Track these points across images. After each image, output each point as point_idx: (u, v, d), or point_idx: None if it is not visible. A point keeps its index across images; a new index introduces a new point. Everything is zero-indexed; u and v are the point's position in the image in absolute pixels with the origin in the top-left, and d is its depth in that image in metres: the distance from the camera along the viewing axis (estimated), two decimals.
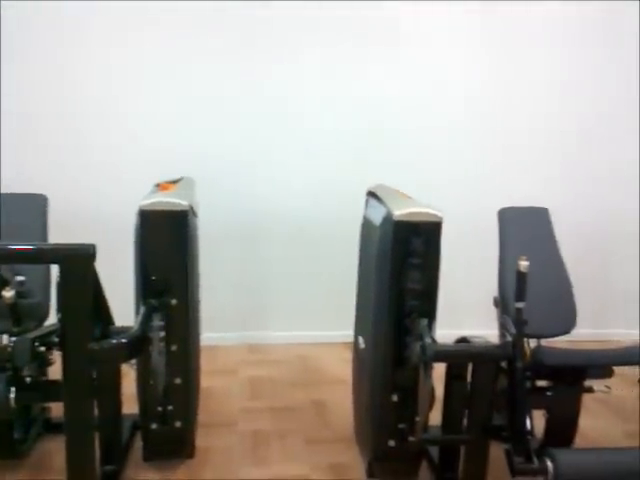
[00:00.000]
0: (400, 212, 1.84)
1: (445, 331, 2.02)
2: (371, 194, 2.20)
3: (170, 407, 1.97)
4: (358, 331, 2.22)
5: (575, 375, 1.88)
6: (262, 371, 2.93)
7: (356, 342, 2.24)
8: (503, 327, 1.77)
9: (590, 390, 1.99)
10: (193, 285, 1.98)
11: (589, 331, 3.20)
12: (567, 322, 2.22)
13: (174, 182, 2.18)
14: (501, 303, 2.27)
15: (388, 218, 1.88)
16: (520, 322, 1.74)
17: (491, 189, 3.15)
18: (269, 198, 3.19)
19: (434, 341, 1.74)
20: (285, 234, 3.24)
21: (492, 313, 2.37)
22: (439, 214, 1.84)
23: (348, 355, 2.38)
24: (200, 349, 2.33)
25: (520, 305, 1.75)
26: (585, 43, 3.26)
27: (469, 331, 3.17)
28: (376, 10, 3.08)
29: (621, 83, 3.30)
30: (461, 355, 1.80)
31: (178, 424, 2.00)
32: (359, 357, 2.19)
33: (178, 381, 1.94)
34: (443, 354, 1.74)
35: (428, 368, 1.69)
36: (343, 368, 2.66)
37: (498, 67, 3.23)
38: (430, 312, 1.87)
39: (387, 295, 1.88)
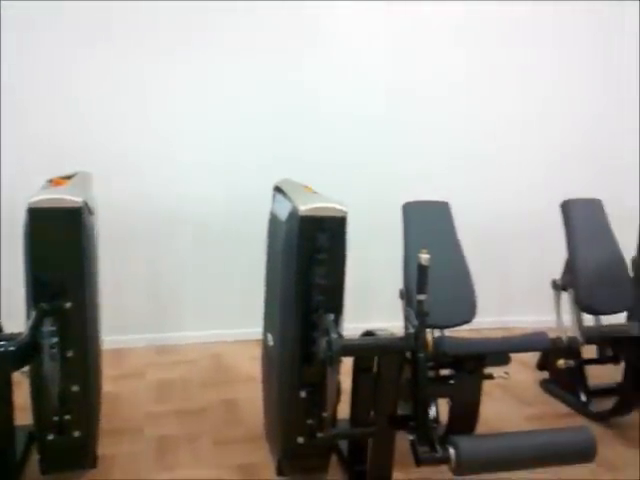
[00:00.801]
0: (305, 207, 1.82)
1: (357, 325, 2.05)
2: (277, 189, 2.17)
3: (67, 416, 1.85)
4: (267, 328, 2.19)
5: (475, 363, 1.94)
6: (171, 373, 2.84)
7: (265, 339, 2.21)
8: (407, 319, 1.79)
9: (490, 377, 2.07)
10: (90, 287, 1.88)
11: (492, 319, 3.36)
12: (468, 312, 2.31)
13: (68, 177, 2.05)
14: (406, 295, 2.32)
15: (293, 213, 1.86)
16: (422, 314, 1.77)
17: (397, 184, 3.20)
18: (178, 196, 3.10)
19: (340, 336, 1.74)
20: (194, 232, 3.16)
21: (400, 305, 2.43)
22: (344, 209, 1.84)
23: (259, 352, 2.35)
24: (101, 354, 2.22)
25: (422, 297, 1.78)
26: (513, 43, 3.39)
27: (380, 324, 3.24)
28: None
29: (519, 83, 3.46)
30: (366, 348, 1.82)
31: (77, 433, 1.89)
32: (268, 354, 2.17)
33: (75, 388, 1.84)
34: (348, 348, 1.75)
35: (334, 363, 1.69)
36: (255, 366, 2.62)
37: (404, 61, 3.29)
38: (337, 307, 1.87)
39: (293, 291, 1.86)
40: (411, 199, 2.41)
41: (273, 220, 2.14)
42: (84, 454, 1.99)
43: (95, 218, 2.05)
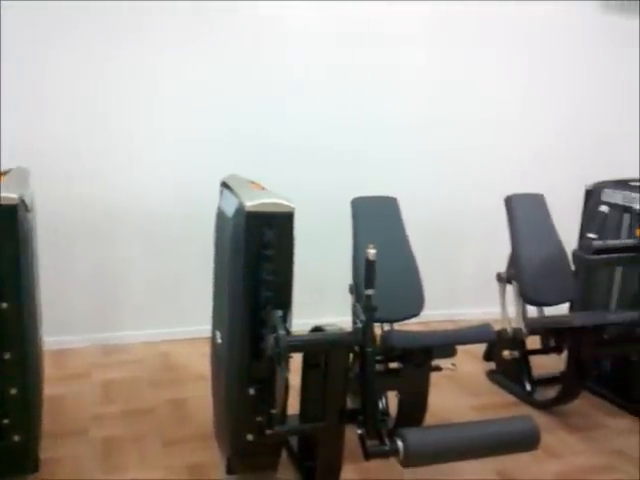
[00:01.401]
0: (252, 203, 1.80)
1: (308, 320, 2.05)
2: (224, 185, 2.14)
3: (6, 420, 1.79)
4: (215, 325, 2.16)
5: (422, 356, 1.97)
6: (118, 373, 2.78)
7: (213, 337, 2.18)
8: (355, 314, 1.80)
9: (438, 369, 2.10)
10: (28, 286, 1.81)
11: (440, 312, 3.41)
12: (416, 306, 2.33)
13: (3, 173, 1.97)
14: (355, 290, 2.33)
15: (240, 209, 1.84)
16: (370, 308, 1.78)
17: (347, 180, 3.21)
18: (123, 192, 3.01)
19: (288, 332, 1.73)
20: (141, 228, 3.08)
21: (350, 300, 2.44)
22: (291, 204, 1.83)
23: (208, 350, 2.32)
24: (43, 354, 2.15)
25: (370, 292, 1.79)
26: (459, 43, 3.43)
27: (331, 319, 3.24)
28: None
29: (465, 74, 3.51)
30: (314, 344, 1.81)
31: (17, 437, 1.83)
32: (216, 352, 2.14)
33: (14, 391, 1.77)
34: (296, 345, 1.74)
35: (283, 359, 1.67)
36: (204, 364, 2.59)
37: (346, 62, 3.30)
38: (285, 303, 1.85)
39: (241, 288, 1.84)
40: (361, 194, 2.42)
41: (220, 216, 2.11)
42: (25, 458, 1.92)
43: (33, 215, 1.98)
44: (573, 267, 2.65)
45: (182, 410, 2.47)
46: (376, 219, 2.41)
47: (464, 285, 3.73)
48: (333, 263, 3.24)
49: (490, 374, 2.92)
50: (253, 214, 1.80)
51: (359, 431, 1.79)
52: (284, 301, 1.87)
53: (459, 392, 2.76)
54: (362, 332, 1.77)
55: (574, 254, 2.33)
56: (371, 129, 3.37)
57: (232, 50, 3.05)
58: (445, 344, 1.98)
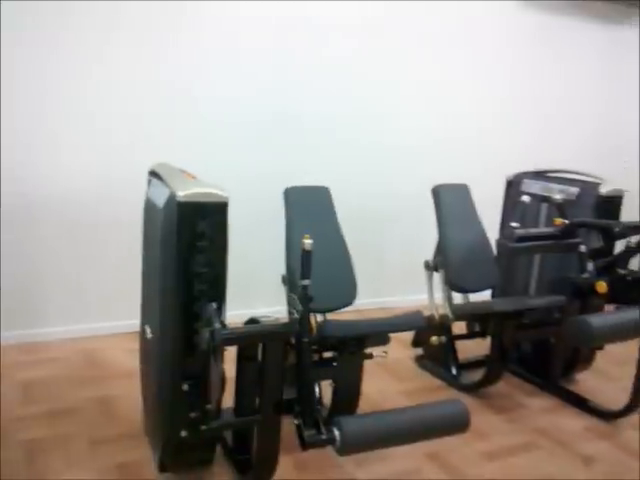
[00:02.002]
0: (184, 192, 1.75)
1: (241, 311, 2.02)
2: (153, 174, 2.07)
3: None
4: (144, 320, 2.10)
5: (356, 344, 1.99)
6: (38, 372, 2.64)
7: (143, 332, 2.11)
8: (290, 304, 1.79)
9: (370, 356, 2.13)
10: None
11: (371, 300, 3.46)
12: (349, 295, 2.35)
13: None
14: (288, 281, 2.32)
15: (171, 199, 1.78)
16: (306, 299, 1.78)
17: (279, 170, 3.19)
18: (42, 177, 2.84)
19: (223, 325, 1.70)
20: (62, 217, 2.92)
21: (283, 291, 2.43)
22: (224, 194, 1.79)
23: (136, 345, 2.24)
24: None
25: (305, 282, 1.79)
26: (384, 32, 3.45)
27: (264, 309, 3.22)
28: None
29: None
30: (250, 336, 1.78)
31: None
32: (146, 347, 2.07)
33: None
34: (232, 338, 1.71)
35: (218, 353, 1.64)
36: (131, 360, 2.51)
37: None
38: (219, 295, 1.82)
39: (174, 281, 1.79)
40: (293, 184, 2.41)
41: (149, 206, 2.04)
42: None
43: None
44: (496, 255, 2.76)
45: (109, 408, 2.38)
46: (309, 209, 2.41)
47: (392, 273, 3.81)
48: (264, 253, 3.22)
49: (418, 359, 3.00)
50: (185, 204, 1.75)
51: (296, 421, 1.79)
52: (218, 293, 1.83)
53: (389, 378, 2.82)
54: (299, 323, 1.76)
55: (498, 242, 2.43)
56: (304, 120, 3.36)
57: (153, 34, 2.95)
58: (379, 332, 2.01)
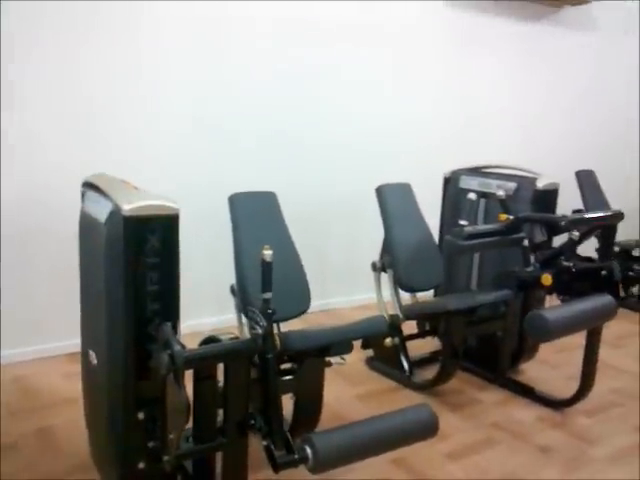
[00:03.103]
0: (130, 206, 1.61)
1: (184, 322, 1.90)
2: (89, 185, 1.91)
3: None
4: (88, 345, 1.93)
5: (319, 354, 1.92)
6: None
7: (86, 357, 1.94)
8: (252, 319, 1.69)
9: (328, 364, 2.07)
10: None
11: (317, 302, 3.39)
12: (303, 302, 2.29)
13: None
14: (239, 292, 2.22)
15: (115, 213, 1.64)
16: (269, 312, 1.69)
17: (221, 176, 3.07)
18: None
19: (182, 346, 1.58)
20: None
21: (229, 300, 2.32)
22: (175, 206, 1.67)
23: (74, 368, 2.06)
24: None
25: (267, 296, 1.70)
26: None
27: (208, 319, 3.08)
28: None
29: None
30: (214, 357, 1.67)
31: None
32: (92, 374, 1.91)
33: None
34: (194, 360, 1.60)
35: (180, 377, 1.52)
36: (70, 385, 2.34)
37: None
38: (173, 314, 1.70)
39: (123, 301, 1.65)
40: (238, 190, 2.30)
41: (86, 221, 1.88)
42: None
43: None
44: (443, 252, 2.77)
45: (51, 441, 2.18)
46: (256, 215, 2.32)
47: (334, 274, 3.76)
48: (206, 262, 3.09)
49: (369, 362, 2.97)
50: (132, 219, 1.61)
51: (264, 442, 1.70)
52: (172, 312, 1.71)
53: (342, 383, 2.77)
54: (262, 339, 1.67)
55: (447, 241, 2.43)
56: (244, 123, 3.25)
57: (86, 33, 2.74)
58: (342, 341, 1.94)
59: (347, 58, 3.53)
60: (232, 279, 2.27)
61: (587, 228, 2.38)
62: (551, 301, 2.77)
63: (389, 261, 2.70)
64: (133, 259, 1.64)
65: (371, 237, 3.70)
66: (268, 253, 1.67)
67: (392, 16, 3.61)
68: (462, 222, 2.39)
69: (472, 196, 2.54)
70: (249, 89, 3.23)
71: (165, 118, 3.00)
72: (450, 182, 3.09)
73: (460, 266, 3.02)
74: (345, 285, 3.67)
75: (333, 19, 3.41)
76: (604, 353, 2.57)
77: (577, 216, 2.29)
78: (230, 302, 2.36)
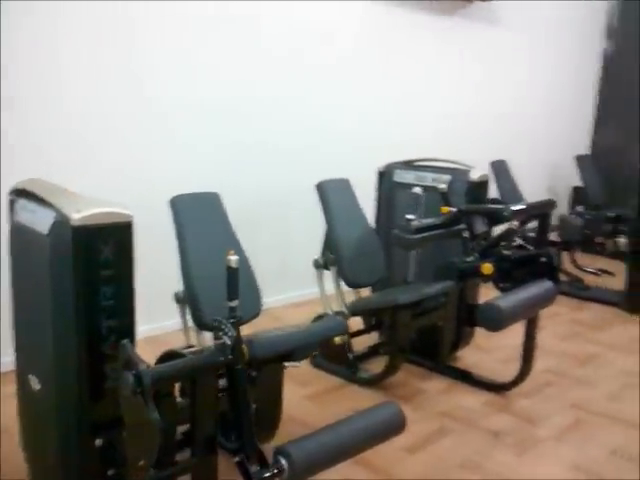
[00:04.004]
0: (79, 215, 1.47)
1: None
2: (20, 193, 1.72)
3: None
4: (27, 369, 1.74)
5: (284, 360, 1.86)
6: None
7: (24, 383, 1.76)
8: (219, 329, 1.59)
9: (284, 368, 2.01)
10: None
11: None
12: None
13: None
14: (189, 300, 2.10)
15: (61, 223, 1.50)
16: (236, 322, 1.60)
17: (161, 179, 2.90)
18: None
19: (147, 365, 1.47)
20: None
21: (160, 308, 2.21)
22: (128, 212, 1.55)
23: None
24: None
25: (234, 304, 1.61)
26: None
27: (147, 326, 2.91)
28: None
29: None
30: (183, 373, 1.56)
31: None
32: (34, 401, 1.73)
33: None
34: (162, 378, 1.48)
35: (149, 398, 1.41)
36: None
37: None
38: (130, 330, 1.58)
39: (73, 320, 1.51)
40: (179, 193, 2.18)
41: (21, 233, 1.70)
42: None
43: None
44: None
45: None
46: (200, 218, 2.20)
47: (264, 273, 3.67)
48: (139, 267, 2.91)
49: (313, 360, 2.93)
50: (83, 229, 1.47)
51: (237, 458, 1.61)
52: (129, 328, 1.58)
53: (290, 383, 2.65)
54: (231, 350, 1.58)
55: (395, 235, 2.43)
56: (188, 120, 3.10)
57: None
58: (307, 345, 1.89)
59: (281, 57, 3.45)
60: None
61: (525, 217, 2.47)
62: (486, 290, 2.87)
63: (332, 258, 2.67)
64: (84, 273, 1.50)
65: (302, 234, 3.68)
66: (234, 259, 1.58)
67: (320, 14, 3.58)
68: (409, 216, 2.39)
69: (418, 190, 2.56)
70: (183, 90, 3.08)
71: (100, 119, 2.79)
72: (384, 176, 3.10)
73: (396, 259, 3.04)
74: (277, 283, 3.60)
75: (261, 19, 3.32)
76: None
77: (519, 206, 2.37)
78: (163, 309, 2.24)
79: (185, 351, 1.66)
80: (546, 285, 2.32)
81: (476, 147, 4.59)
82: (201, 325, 2.10)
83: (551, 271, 2.37)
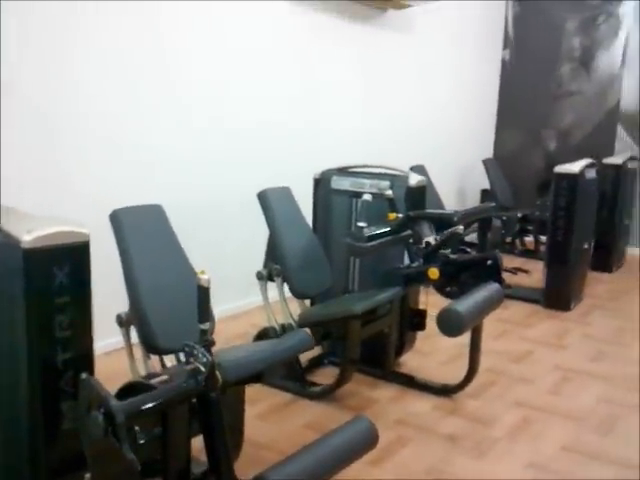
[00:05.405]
0: (32, 236, 1.31)
1: None
2: None
3: None
4: None
5: (254, 382, 1.76)
6: None
7: None
8: (190, 354, 1.47)
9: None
10: None
11: None
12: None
13: None
14: (138, 323, 1.94)
15: (10, 245, 1.32)
16: (209, 346, 1.48)
17: (103, 192, 2.69)
18: None
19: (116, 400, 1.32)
20: None
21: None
22: (85, 231, 1.40)
23: None
24: None
25: (205, 326, 1.49)
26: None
27: None
28: None
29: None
30: (158, 407, 1.42)
31: None
32: None
33: None
34: (137, 413, 1.34)
35: (123, 438, 1.26)
36: None
37: None
38: (89, 363, 1.42)
39: (25, 353, 1.34)
40: (120, 206, 2.01)
41: None
42: None
43: None
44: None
45: None
46: (144, 232, 2.04)
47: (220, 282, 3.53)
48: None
49: None
50: (35, 252, 1.31)
51: None
52: (87, 360, 1.43)
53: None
54: (207, 377, 1.46)
55: (347, 244, 2.38)
56: (124, 131, 2.92)
57: None
58: (275, 364, 1.79)
59: (203, 63, 3.33)
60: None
61: (469, 221, 2.51)
62: (426, 294, 2.90)
63: (277, 269, 2.58)
64: (37, 301, 1.34)
65: (235, 244, 3.56)
66: (205, 278, 1.47)
67: (240, 15, 3.48)
68: (360, 224, 2.35)
69: (368, 197, 2.52)
70: (120, 99, 2.89)
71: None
72: (320, 183, 3.05)
73: (338, 268, 2.98)
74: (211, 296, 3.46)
75: (181, 20, 3.18)
76: (465, 336, 2.68)
77: (467, 210, 2.40)
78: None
79: (153, 381, 1.51)
80: (494, 288, 2.37)
81: (395, 153, 4.66)
82: (152, 349, 1.94)
83: (497, 273, 2.42)
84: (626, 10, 5.66)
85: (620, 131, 5.82)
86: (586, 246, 4.29)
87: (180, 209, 3.23)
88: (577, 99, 6.03)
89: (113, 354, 2.58)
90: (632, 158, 5.31)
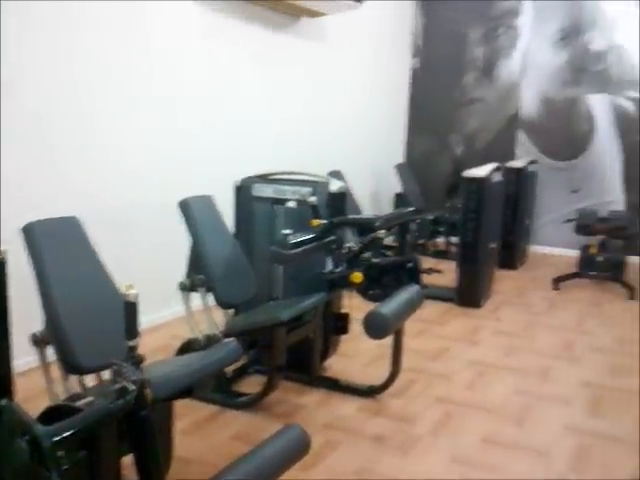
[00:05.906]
0: None
1: None
2: None
3: None
4: None
5: (182, 395, 1.72)
6: None
7: None
8: (119, 373, 1.41)
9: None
10: None
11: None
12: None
13: None
14: (54, 338, 1.85)
15: None
16: (138, 362, 1.44)
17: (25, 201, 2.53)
18: None
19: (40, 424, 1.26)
20: None
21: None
22: (2, 249, 1.31)
23: None
24: None
25: (133, 343, 1.44)
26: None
27: None
28: None
29: None
30: (86, 429, 1.35)
31: None
32: None
33: None
34: (64, 439, 1.27)
35: (52, 465, 1.20)
36: None
37: None
38: (8, 387, 1.34)
39: None
40: (35, 219, 1.91)
41: None
42: None
43: None
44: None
45: None
46: (59, 246, 1.95)
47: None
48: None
49: None
50: None
51: None
52: (6, 384, 1.35)
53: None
54: (136, 395, 1.41)
55: (273, 252, 2.37)
56: (42, 138, 2.78)
57: None
58: (205, 377, 1.76)
59: (117, 68, 3.23)
60: None
61: (390, 225, 2.58)
62: (349, 298, 2.95)
63: (201, 279, 2.53)
64: None
65: (151, 254, 3.47)
66: (134, 293, 1.42)
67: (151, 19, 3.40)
68: (285, 231, 2.36)
69: (292, 204, 2.53)
70: (37, 102, 2.71)
71: None
72: (242, 190, 3.03)
73: (262, 276, 2.97)
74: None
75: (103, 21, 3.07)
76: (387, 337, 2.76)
77: (388, 215, 2.46)
78: None
79: (78, 403, 1.44)
80: (415, 289, 2.45)
81: (313, 158, 4.72)
82: (72, 368, 1.85)
83: (416, 275, 2.51)
84: (524, 22, 6.02)
85: (521, 136, 6.18)
86: (493, 245, 4.52)
87: (95, 218, 3.15)
88: (480, 106, 6.35)
89: (27, 374, 2.44)
90: (532, 162, 5.65)
